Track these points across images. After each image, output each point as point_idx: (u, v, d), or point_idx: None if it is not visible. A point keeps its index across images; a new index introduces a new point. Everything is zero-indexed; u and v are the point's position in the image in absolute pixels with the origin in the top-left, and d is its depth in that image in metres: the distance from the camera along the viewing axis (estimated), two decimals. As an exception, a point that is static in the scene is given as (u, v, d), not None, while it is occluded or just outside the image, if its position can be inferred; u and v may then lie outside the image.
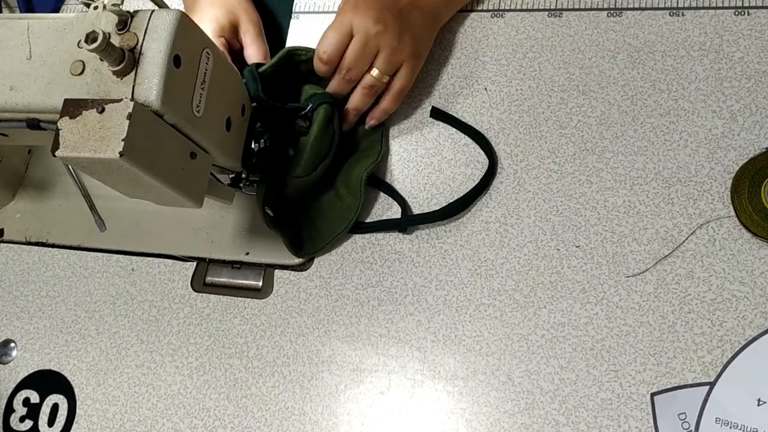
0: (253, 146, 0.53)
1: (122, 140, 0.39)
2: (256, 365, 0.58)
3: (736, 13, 0.57)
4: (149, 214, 0.66)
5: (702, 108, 0.55)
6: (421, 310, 0.56)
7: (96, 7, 0.44)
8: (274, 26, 0.69)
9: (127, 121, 0.40)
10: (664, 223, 0.53)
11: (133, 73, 0.42)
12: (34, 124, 0.45)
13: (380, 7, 0.55)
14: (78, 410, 0.61)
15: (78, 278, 0.66)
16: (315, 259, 0.60)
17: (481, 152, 0.59)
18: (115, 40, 0.42)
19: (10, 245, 0.70)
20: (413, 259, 0.58)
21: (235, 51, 0.63)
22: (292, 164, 0.56)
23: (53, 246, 0.69)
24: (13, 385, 0.64)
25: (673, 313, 0.51)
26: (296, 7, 0.69)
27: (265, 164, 0.55)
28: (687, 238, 0.52)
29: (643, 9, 0.59)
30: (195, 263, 0.64)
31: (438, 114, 0.61)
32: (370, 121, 0.60)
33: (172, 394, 0.59)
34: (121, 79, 0.42)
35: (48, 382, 0.63)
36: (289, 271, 0.61)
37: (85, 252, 0.68)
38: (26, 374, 0.64)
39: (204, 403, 0.58)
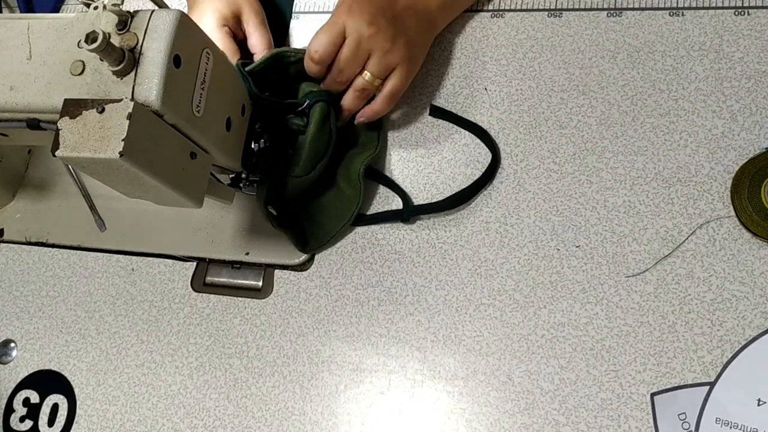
0: (252, 146, 0.53)
1: (122, 140, 0.39)
2: (256, 365, 0.58)
3: (736, 13, 0.57)
4: (149, 214, 0.66)
5: (702, 108, 0.55)
6: (421, 310, 0.56)
7: (96, 7, 0.44)
8: (278, 19, 0.69)
9: (127, 121, 0.40)
10: (664, 223, 0.53)
11: (133, 73, 0.42)
12: (34, 124, 0.45)
13: (374, 11, 0.55)
14: (78, 410, 0.61)
15: (78, 278, 0.66)
16: (315, 259, 0.61)
17: (482, 152, 0.59)
18: (115, 40, 0.42)
19: (10, 245, 0.70)
20: (413, 259, 0.58)
21: (239, 41, 0.64)
22: (291, 164, 0.56)
23: (53, 246, 0.69)
24: (13, 385, 0.64)
25: (673, 313, 0.51)
26: (296, 7, 0.69)
27: (265, 164, 0.55)
28: (687, 238, 0.52)
29: (643, 9, 0.59)
30: (195, 263, 0.64)
31: (437, 112, 0.61)
32: (360, 119, 0.59)
33: (172, 394, 0.59)
34: (121, 79, 0.42)
35: (48, 382, 0.63)
36: (289, 271, 0.61)
37: (85, 252, 0.68)
38: (26, 374, 0.64)
39: (204, 403, 0.58)
